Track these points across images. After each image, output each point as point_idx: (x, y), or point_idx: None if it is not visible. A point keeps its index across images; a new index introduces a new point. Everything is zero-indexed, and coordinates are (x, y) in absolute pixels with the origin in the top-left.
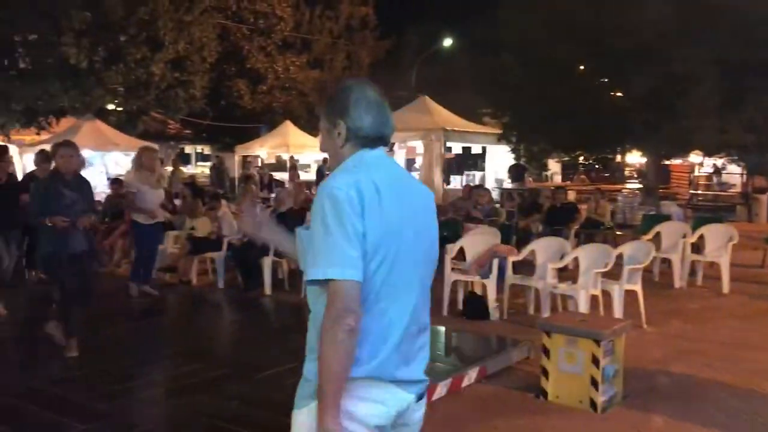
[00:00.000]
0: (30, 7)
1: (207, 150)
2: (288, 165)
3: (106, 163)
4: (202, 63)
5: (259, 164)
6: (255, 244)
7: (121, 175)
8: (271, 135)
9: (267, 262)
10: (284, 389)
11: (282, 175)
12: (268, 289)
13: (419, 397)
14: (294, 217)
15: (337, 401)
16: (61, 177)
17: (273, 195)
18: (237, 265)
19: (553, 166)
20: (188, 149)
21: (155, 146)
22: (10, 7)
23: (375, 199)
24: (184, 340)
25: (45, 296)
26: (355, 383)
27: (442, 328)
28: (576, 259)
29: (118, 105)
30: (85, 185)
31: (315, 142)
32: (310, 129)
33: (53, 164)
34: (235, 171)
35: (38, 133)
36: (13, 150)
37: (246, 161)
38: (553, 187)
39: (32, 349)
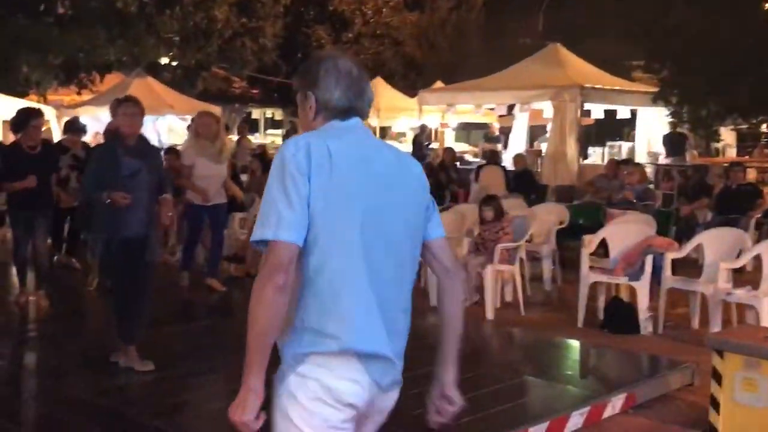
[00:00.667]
0: None
1: (278, 115)
2: (377, 133)
3: (158, 129)
4: (275, 5)
5: None
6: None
7: (177, 145)
8: None
9: (489, 272)
10: None
11: None
12: (490, 311)
13: (391, 384)
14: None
15: (262, 359)
16: (121, 141)
17: None
18: None
19: (727, 135)
20: (256, 114)
21: (216, 110)
22: None
23: (325, 163)
24: None
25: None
26: (323, 357)
27: (577, 343)
28: (757, 258)
29: (172, 58)
30: (152, 152)
31: (412, 104)
32: (406, 87)
33: (88, 135)
34: None
35: (79, 93)
36: (49, 113)
37: None
38: (726, 164)
39: (77, 352)
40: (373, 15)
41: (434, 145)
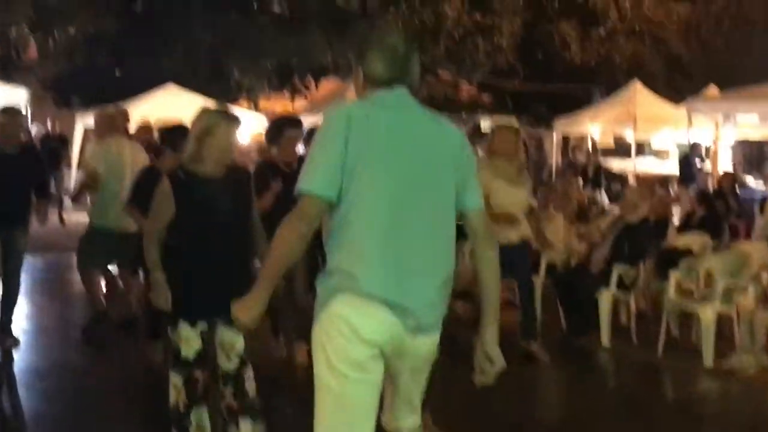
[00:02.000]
0: None
1: (513, 124)
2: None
3: None
4: None
5: (589, 147)
6: (583, 270)
7: None
8: (608, 103)
9: (605, 297)
10: None
11: (622, 164)
12: (605, 338)
13: (416, 327)
14: (646, 231)
15: (271, 280)
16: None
17: (603, 195)
18: (559, 298)
19: None
20: (484, 123)
21: (513, 121)
22: None
23: (363, 128)
24: (466, 400)
25: None
26: (347, 295)
27: None
28: None
29: None
30: None
31: (677, 114)
32: (671, 94)
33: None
34: (554, 156)
35: (292, 99)
36: (261, 123)
37: (569, 144)
38: None
39: None
40: (631, 7)
41: (707, 166)
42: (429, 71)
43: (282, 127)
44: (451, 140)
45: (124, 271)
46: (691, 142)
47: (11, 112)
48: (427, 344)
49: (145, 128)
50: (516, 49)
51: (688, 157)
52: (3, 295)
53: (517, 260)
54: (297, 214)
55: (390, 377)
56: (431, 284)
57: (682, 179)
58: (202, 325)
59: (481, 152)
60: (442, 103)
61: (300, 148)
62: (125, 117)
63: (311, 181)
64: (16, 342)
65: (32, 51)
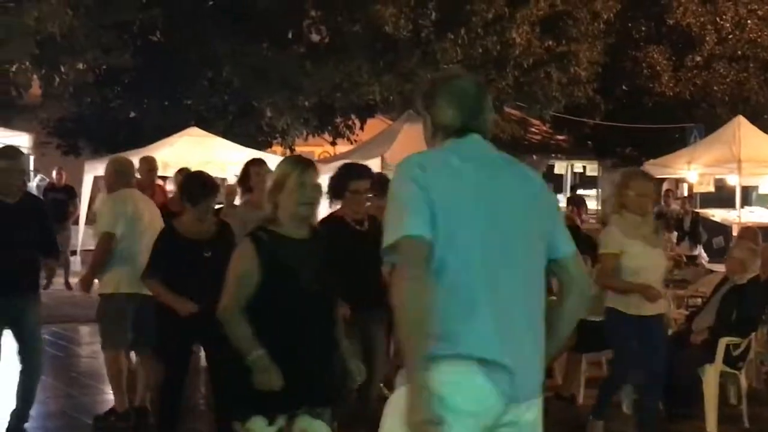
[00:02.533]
0: None
1: (591, 169)
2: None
3: None
4: (593, 22)
5: (685, 194)
6: (683, 342)
7: None
8: (707, 142)
9: (710, 374)
10: None
11: (725, 214)
12: (710, 423)
13: (518, 395)
14: (757, 294)
15: (420, 353)
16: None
17: (702, 251)
18: None
19: None
20: (560, 167)
21: (648, 173)
22: None
23: (440, 178)
24: None
25: None
26: (441, 363)
27: None
28: None
29: None
30: None
31: None
32: None
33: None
34: None
35: (334, 143)
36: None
37: (660, 191)
38: None
39: None
40: (732, 29)
41: None
42: (494, 107)
43: (346, 178)
44: (533, 187)
45: (145, 351)
46: None
47: (11, 153)
48: (530, 415)
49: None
50: (596, 79)
51: None
52: (20, 384)
53: (653, 336)
54: (402, 266)
55: None
56: (530, 345)
57: None
58: (280, 421)
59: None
60: (509, 144)
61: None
62: (149, 165)
63: (403, 227)
64: None
65: (35, 91)
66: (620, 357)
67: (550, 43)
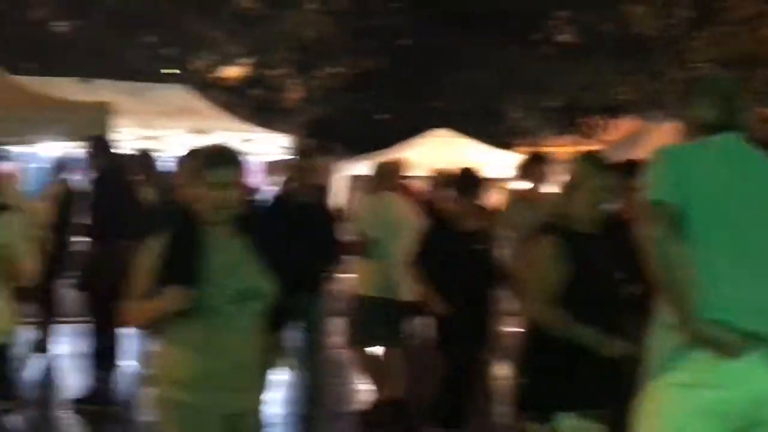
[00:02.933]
0: None
1: None
2: None
3: None
4: None
5: None
6: None
7: None
8: None
9: None
10: None
11: None
12: None
13: None
14: None
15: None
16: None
17: None
18: None
19: None
20: None
21: None
22: None
23: (693, 171)
24: None
25: None
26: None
27: None
28: None
29: None
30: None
31: None
32: None
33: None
34: None
35: (581, 143)
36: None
37: None
38: None
39: None
40: None
41: None
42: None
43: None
44: None
45: (393, 349)
46: None
47: (307, 152)
48: None
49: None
50: None
51: None
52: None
53: None
54: (650, 227)
55: None
56: None
57: None
58: (588, 417)
59: None
60: (763, 144)
61: None
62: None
63: (655, 192)
64: None
65: (293, 94)
66: None
67: None
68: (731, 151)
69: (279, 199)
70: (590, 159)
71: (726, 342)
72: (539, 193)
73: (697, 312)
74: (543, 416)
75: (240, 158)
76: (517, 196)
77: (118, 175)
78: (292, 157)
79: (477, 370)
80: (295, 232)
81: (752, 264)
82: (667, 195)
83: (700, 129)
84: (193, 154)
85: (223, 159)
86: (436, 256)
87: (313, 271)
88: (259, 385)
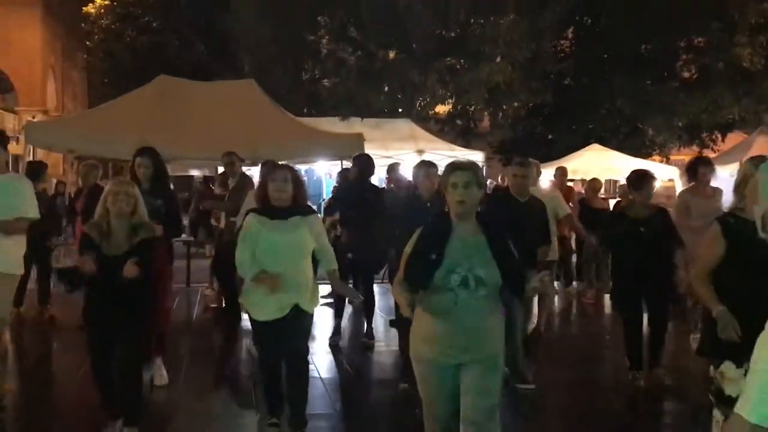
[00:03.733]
0: (697, 9)
1: None
2: None
3: None
4: None
5: None
6: None
7: None
8: None
9: None
10: None
11: None
12: None
13: None
14: None
15: None
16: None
17: None
18: None
19: None
20: None
21: None
22: (672, 9)
23: None
24: None
25: None
26: None
27: None
28: None
29: None
30: None
31: None
32: None
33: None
34: None
35: (700, 152)
36: (673, 173)
37: None
38: None
39: None
40: None
41: None
42: None
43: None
44: None
45: None
46: None
47: (523, 163)
48: None
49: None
50: None
51: None
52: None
53: None
54: None
55: None
56: None
57: None
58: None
59: None
60: None
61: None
62: (562, 172)
63: None
64: None
65: (485, 123)
66: None
67: None
68: None
69: (499, 195)
70: (756, 161)
71: None
72: (701, 188)
73: None
74: (715, 362)
75: (475, 168)
76: (685, 192)
77: (370, 178)
78: (513, 170)
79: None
80: (520, 222)
81: None
82: None
83: None
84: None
85: (459, 167)
86: (614, 236)
87: (534, 252)
88: (485, 346)
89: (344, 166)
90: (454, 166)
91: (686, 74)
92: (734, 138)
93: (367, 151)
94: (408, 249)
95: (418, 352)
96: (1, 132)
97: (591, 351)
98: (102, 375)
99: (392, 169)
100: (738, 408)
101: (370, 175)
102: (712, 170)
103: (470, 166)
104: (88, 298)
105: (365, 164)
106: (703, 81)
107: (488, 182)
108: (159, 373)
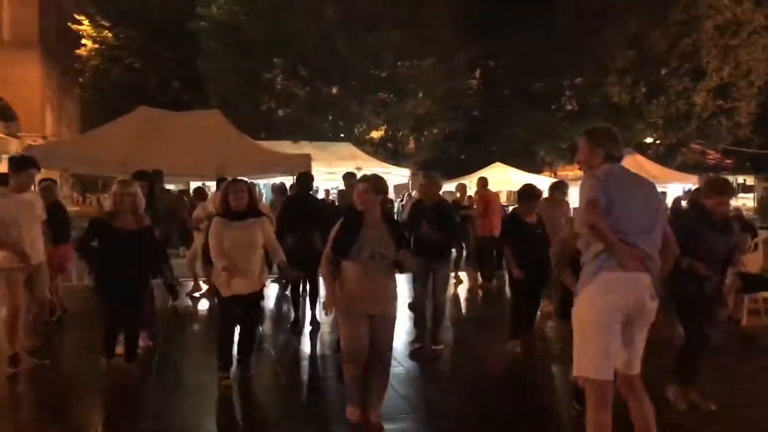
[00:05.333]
0: (577, 55)
1: (750, 180)
2: None
3: None
4: (749, 88)
5: None
6: None
7: None
8: None
9: None
10: None
11: None
12: None
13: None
14: None
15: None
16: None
17: None
18: None
19: None
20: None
21: (693, 179)
22: (557, 56)
23: (610, 185)
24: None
25: None
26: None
27: None
28: None
29: (656, 138)
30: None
31: None
32: None
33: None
34: None
35: (581, 169)
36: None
37: None
38: None
39: None
40: None
41: None
42: (683, 145)
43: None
44: (651, 188)
45: None
46: None
47: (430, 177)
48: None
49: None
50: (752, 123)
51: None
52: None
53: None
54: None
55: None
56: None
57: None
58: None
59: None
60: (693, 166)
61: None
62: (483, 182)
63: (592, 204)
64: None
65: (411, 145)
66: None
67: (721, 102)
68: (622, 174)
69: (417, 202)
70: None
71: None
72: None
73: None
74: None
75: (385, 183)
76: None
77: (309, 192)
78: (422, 179)
79: None
80: (432, 219)
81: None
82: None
83: (609, 158)
84: (361, 178)
85: (362, 179)
86: (518, 236)
87: (443, 243)
88: (387, 302)
89: (281, 181)
90: (360, 180)
91: (569, 107)
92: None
93: (314, 168)
94: (332, 233)
95: (344, 307)
96: (32, 158)
97: (484, 323)
98: (113, 325)
99: (348, 176)
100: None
101: (309, 190)
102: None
103: (369, 179)
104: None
105: (304, 181)
106: (582, 113)
107: (413, 192)
108: (142, 336)
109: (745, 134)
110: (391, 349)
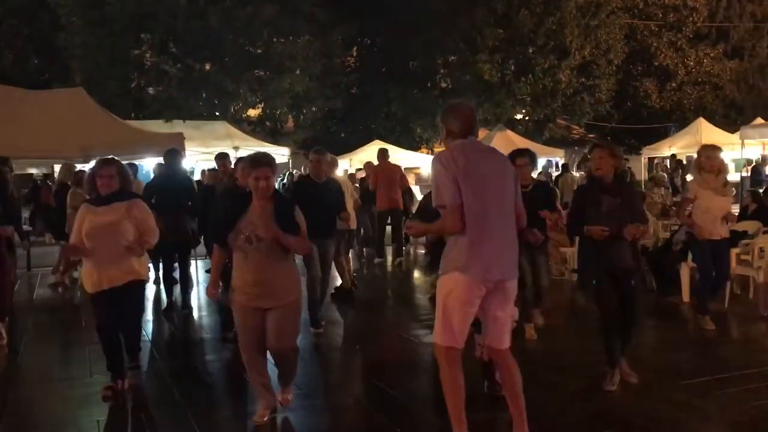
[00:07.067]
0: (449, 33)
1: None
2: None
3: None
4: (609, 66)
5: (668, 165)
6: (670, 249)
7: None
8: (680, 134)
9: (684, 269)
10: (713, 398)
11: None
12: (685, 296)
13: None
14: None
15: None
16: (599, 182)
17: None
18: (651, 269)
19: None
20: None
21: (560, 152)
22: (430, 34)
23: (459, 162)
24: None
25: None
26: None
27: None
28: None
29: (525, 114)
30: (629, 190)
31: (732, 139)
32: (727, 125)
33: None
34: (642, 174)
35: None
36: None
37: (654, 163)
38: None
39: None
40: (695, 65)
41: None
42: (550, 120)
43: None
44: (504, 161)
45: None
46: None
47: (320, 152)
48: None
49: None
50: (612, 100)
51: (758, 167)
52: None
53: (722, 252)
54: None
55: None
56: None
57: (752, 181)
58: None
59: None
60: (560, 140)
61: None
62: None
63: (446, 196)
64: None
65: (290, 124)
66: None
67: (583, 79)
68: (475, 149)
69: (302, 180)
70: None
71: None
72: None
73: None
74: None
75: (271, 161)
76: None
77: (176, 170)
78: (311, 157)
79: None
80: (316, 199)
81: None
82: (455, 198)
83: (455, 134)
84: (244, 159)
85: (261, 161)
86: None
87: (329, 221)
88: (281, 294)
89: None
90: (255, 162)
91: (443, 85)
92: (481, 133)
93: (188, 148)
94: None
95: (234, 298)
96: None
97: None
98: None
99: (221, 156)
100: None
101: (177, 166)
102: None
103: (268, 161)
104: None
105: (172, 157)
106: (455, 90)
107: (294, 171)
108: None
109: (606, 110)
110: (293, 343)
